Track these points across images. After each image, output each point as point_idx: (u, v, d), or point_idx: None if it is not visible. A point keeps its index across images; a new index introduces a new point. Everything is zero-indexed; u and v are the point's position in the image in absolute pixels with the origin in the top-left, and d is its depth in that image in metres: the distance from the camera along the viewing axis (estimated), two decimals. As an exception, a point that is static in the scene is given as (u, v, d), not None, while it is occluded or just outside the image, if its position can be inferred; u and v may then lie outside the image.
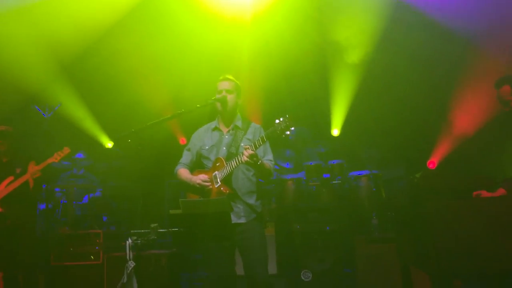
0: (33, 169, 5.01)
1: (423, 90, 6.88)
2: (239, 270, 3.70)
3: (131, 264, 3.51)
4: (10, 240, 5.02)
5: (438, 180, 3.25)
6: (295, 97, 7.45)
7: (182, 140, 8.16)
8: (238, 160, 3.44)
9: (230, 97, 3.76)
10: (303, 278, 5.25)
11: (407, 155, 7.15)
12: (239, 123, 3.82)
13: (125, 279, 3.53)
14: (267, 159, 3.72)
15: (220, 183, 3.56)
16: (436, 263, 2.99)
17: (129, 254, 3.55)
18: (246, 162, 3.35)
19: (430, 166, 7.08)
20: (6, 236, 5.02)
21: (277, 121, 3.25)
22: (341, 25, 6.86)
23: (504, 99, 3.65)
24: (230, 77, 3.83)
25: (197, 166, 3.90)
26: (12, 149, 5.26)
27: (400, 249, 4.10)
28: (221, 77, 3.83)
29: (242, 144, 3.66)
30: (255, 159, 3.34)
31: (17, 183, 4.99)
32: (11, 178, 5.06)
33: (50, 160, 5.02)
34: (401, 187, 6.39)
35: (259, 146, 3.39)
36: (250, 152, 3.31)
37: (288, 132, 3.21)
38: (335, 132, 7.72)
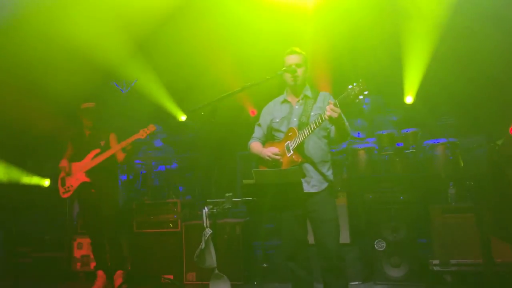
0: (123, 143, 5.28)
1: (505, 53, 6.42)
2: (311, 239, 3.75)
3: (209, 231, 3.66)
4: (95, 208, 5.41)
5: (522, 147, 3.07)
6: (366, 65, 7.25)
7: (252, 112, 8.25)
8: (311, 128, 3.43)
9: (300, 71, 3.73)
10: (376, 247, 5.22)
11: (487, 121, 6.77)
12: (308, 92, 3.81)
13: (203, 245, 3.69)
14: None
15: (292, 152, 3.58)
16: (519, 234, 2.87)
17: (206, 221, 3.69)
18: (329, 118, 3.27)
19: (513, 132, 6.67)
20: (92, 205, 5.42)
21: (350, 86, 3.19)
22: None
23: None
24: (298, 49, 3.78)
25: (269, 139, 3.94)
26: (96, 124, 5.61)
27: (479, 219, 3.96)
28: (288, 50, 3.79)
29: (312, 114, 3.65)
30: (337, 114, 3.25)
31: (104, 156, 5.32)
32: (97, 150, 5.40)
33: (136, 136, 5.26)
34: (480, 155, 6.07)
35: (336, 107, 3.29)
36: (332, 106, 3.24)
37: (361, 97, 3.14)
38: (409, 99, 7.44)
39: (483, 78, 6.78)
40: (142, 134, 5.26)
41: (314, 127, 3.41)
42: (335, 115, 3.25)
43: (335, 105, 3.26)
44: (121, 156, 5.41)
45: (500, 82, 6.68)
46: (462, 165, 5.91)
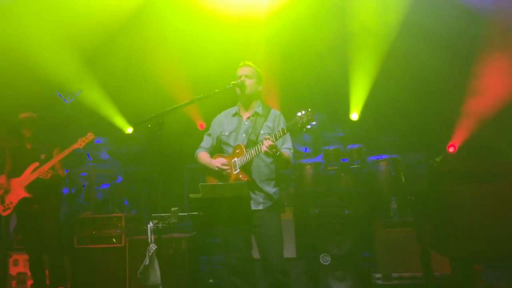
0: (60, 156, 5.10)
1: (444, 73, 6.78)
2: (256, 254, 3.75)
3: (153, 246, 3.57)
4: (36, 224, 5.16)
5: (458, 164, 3.22)
6: (313, 82, 7.42)
7: (201, 125, 8.21)
8: (258, 149, 3.45)
9: (249, 82, 3.76)
10: (321, 261, 5.28)
11: (427, 139, 7.08)
12: (259, 109, 3.83)
13: (147, 261, 3.59)
14: (286, 147, 3.73)
15: (239, 170, 3.59)
16: (456, 247, 2.98)
17: (150, 237, 3.60)
18: (266, 153, 3.37)
19: (450, 150, 7.00)
20: (33, 220, 5.17)
21: (299, 114, 3.24)
22: (361, 9, 6.78)
23: None
24: (250, 63, 3.85)
25: (217, 151, 3.94)
26: (36, 136, 5.37)
27: (419, 233, 4.09)
28: (240, 63, 3.86)
29: (262, 132, 3.68)
30: (274, 150, 3.35)
31: (43, 169, 5.09)
32: (36, 164, 5.17)
33: (74, 146, 5.09)
34: (420, 171, 6.33)
35: (279, 137, 3.41)
36: (270, 143, 3.32)
37: (309, 126, 3.21)
38: (354, 116, 7.66)
39: (425, 96, 7.11)
40: (80, 143, 5.09)
41: (258, 151, 3.46)
42: (270, 152, 3.33)
43: (282, 131, 3.32)
44: (60, 170, 5.22)
45: (441, 101, 7.03)
46: (403, 180, 6.13)
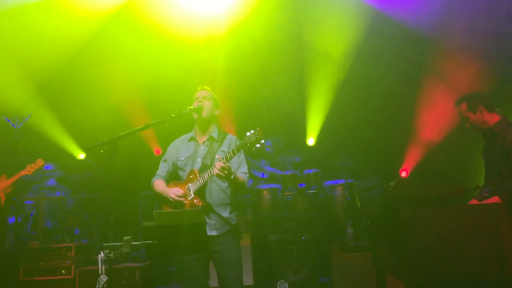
0: (5, 184, 4.85)
1: (395, 100, 7.04)
2: (213, 283, 3.67)
3: (104, 278, 3.41)
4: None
5: (410, 189, 3.28)
6: (270, 108, 7.49)
7: (157, 150, 8.08)
8: (210, 172, 3.42)
9: (206, 103, 3.75)
10: (279, 288, 5.23)
11: (381, 164, 7.25)
12: (215, 134, 3.81)
13: (97, 293, 3.42)
14: (242, 171, 3.71)
15: (193, 195, 3.53)
16: (410, 271, 3.01)
17: (101, 268, 3.44)
18: (218, 175, 3.34)
19: (403, 175, 7.19)
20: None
21: (248, 133, 3.27)
22: (318, 37, 6.96)
23: (463, 115, 3.86)
24: (207, 87, 3.86)
25: (174, 177, 3.87)
26: None
27: (375, 258, 4.12)
28: (199, 88, 3.85)
29: (217, 156, 3.64)
30: (226, 172, 3.33)
31: None
32: (-20, 192, 4.90)
33: (22, 173, 4.89)
34: (375, 196, 6.44)
35: (230, 158, 3.39)
36: (221, 164, 3.31)
37: (258, 145, 3.23)
38: (311, 141, 7.77)
39: (378, 122, 7.31)
40: (29, 170, 4.90)
41: (212, 175, 3.42)
42: (222, 174, 3.31)
43: (232, 152, 3.32)
44: (3, 199, 4.96)
45: (392, 127, 7.25)
46: (359, 205, 6.22)
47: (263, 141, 3.21)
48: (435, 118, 6.77)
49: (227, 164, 3.35)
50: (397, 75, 6.86)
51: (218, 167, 3.31)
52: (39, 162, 4.96)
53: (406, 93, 6.93)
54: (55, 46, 6.40)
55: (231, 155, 3.36)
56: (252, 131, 3.25)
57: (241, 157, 3.71)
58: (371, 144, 7.34)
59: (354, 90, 7.20)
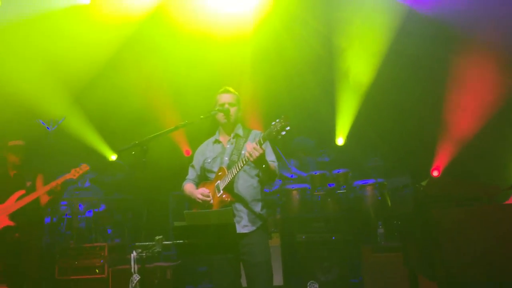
0: (54, 184, 4.93)
1: (424, 98, 6.94)
2: (245, 282, 3.67)
3: (136, 277, 3.47)
4: (17, 253, 4.99)
5: (443, 188, 3.22)
6: (299, 108, 7.47)
7: (186, 151, 8.17)
8: (240, 164, 3.41)
9: (233, 110, 3.75)
10: (309, 289, 5.21)
11: (412, 163, 7.14)
12: (239, 131, 3.82)
13: (130, 292, 3.49)
14: (270, 160, 3.64)
15: (222, 191, 3.54)
16: (443, 272, 2.96)
17: (134, 267, 3.51)
18: (249, 157, 3.24)
19: (435, 174, 7.05)
20: (13, 249, 5.00)
21: (273, 123, 3.22)
22: (346, 38, 6.91)
23: None
24: (231, 89, 3.82)
25: (203, 180, 3.89)
26: (23, 163, 5.26)
27: (406, 258, 4.06)
28: (221, 90, 3.82)
29: (243, 152, 3.63)
30: (257, 153, 3.23)
31: (30, 198, 4.95)
32: (22, 192, 5.03)
33: (68, 176, 4.95)
34: (406, 195, 6.35)
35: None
36: (254, 145, 3.25)
37: (284, 133, 3.16)
38: (340, 141, 7.70)
39: (408, 121, 7.21)
40: (73, 174, 4.97)
41: (241, 165, 3.40)
42: (255, 154, 3.24)
43: (258, 143, 3.27)
44: (44, 199, 5.08)
45: (423, 125, 7.12)
46: (389, 205, 6.13)
47: (288, 128, 3.14)
48: (466, 116, 6.62)
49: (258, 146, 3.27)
50: (426, 74, 6.75)
51: (250, 148, 3.25)
52: (84, 167, 5.01)
53: (435, 91, 6.81)
54: (89, 52, 6.57)
55: (261, 143, 3.27)
56: (277, 120, 3.20)
57: (267, 147, 3.65)
58: (401, 144, 7.24)
59: (383, 89, 7.11)
